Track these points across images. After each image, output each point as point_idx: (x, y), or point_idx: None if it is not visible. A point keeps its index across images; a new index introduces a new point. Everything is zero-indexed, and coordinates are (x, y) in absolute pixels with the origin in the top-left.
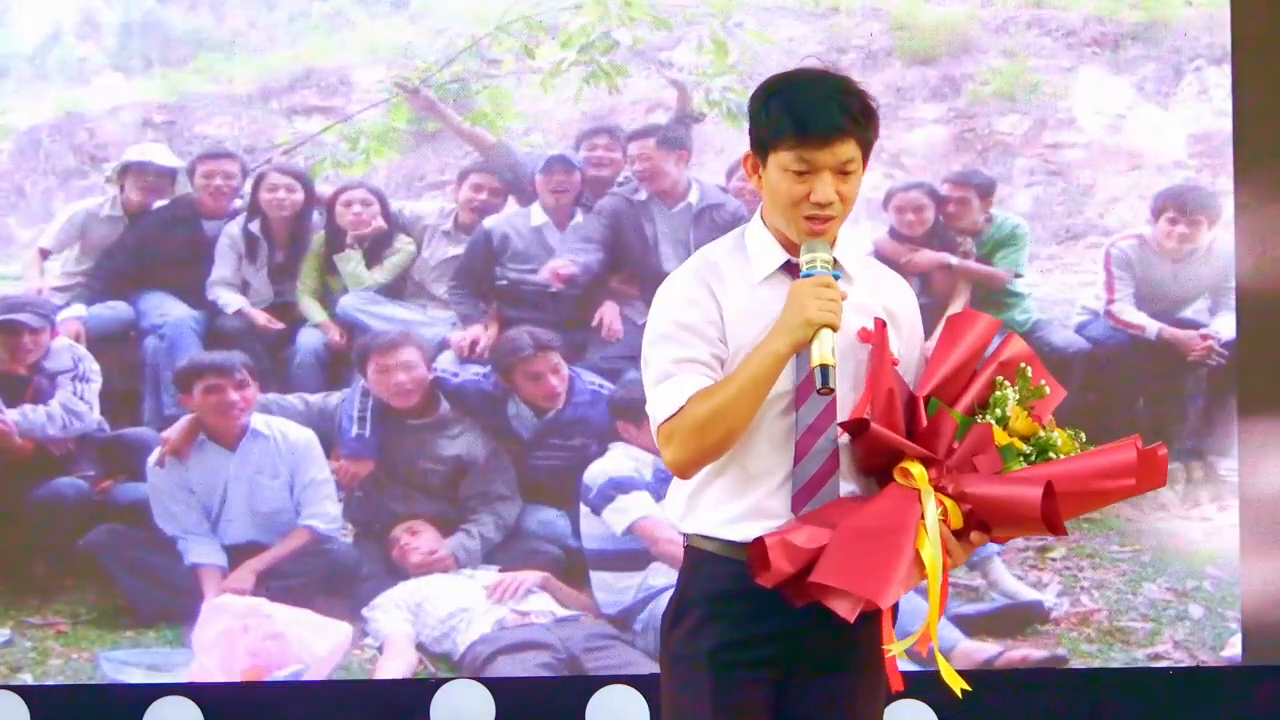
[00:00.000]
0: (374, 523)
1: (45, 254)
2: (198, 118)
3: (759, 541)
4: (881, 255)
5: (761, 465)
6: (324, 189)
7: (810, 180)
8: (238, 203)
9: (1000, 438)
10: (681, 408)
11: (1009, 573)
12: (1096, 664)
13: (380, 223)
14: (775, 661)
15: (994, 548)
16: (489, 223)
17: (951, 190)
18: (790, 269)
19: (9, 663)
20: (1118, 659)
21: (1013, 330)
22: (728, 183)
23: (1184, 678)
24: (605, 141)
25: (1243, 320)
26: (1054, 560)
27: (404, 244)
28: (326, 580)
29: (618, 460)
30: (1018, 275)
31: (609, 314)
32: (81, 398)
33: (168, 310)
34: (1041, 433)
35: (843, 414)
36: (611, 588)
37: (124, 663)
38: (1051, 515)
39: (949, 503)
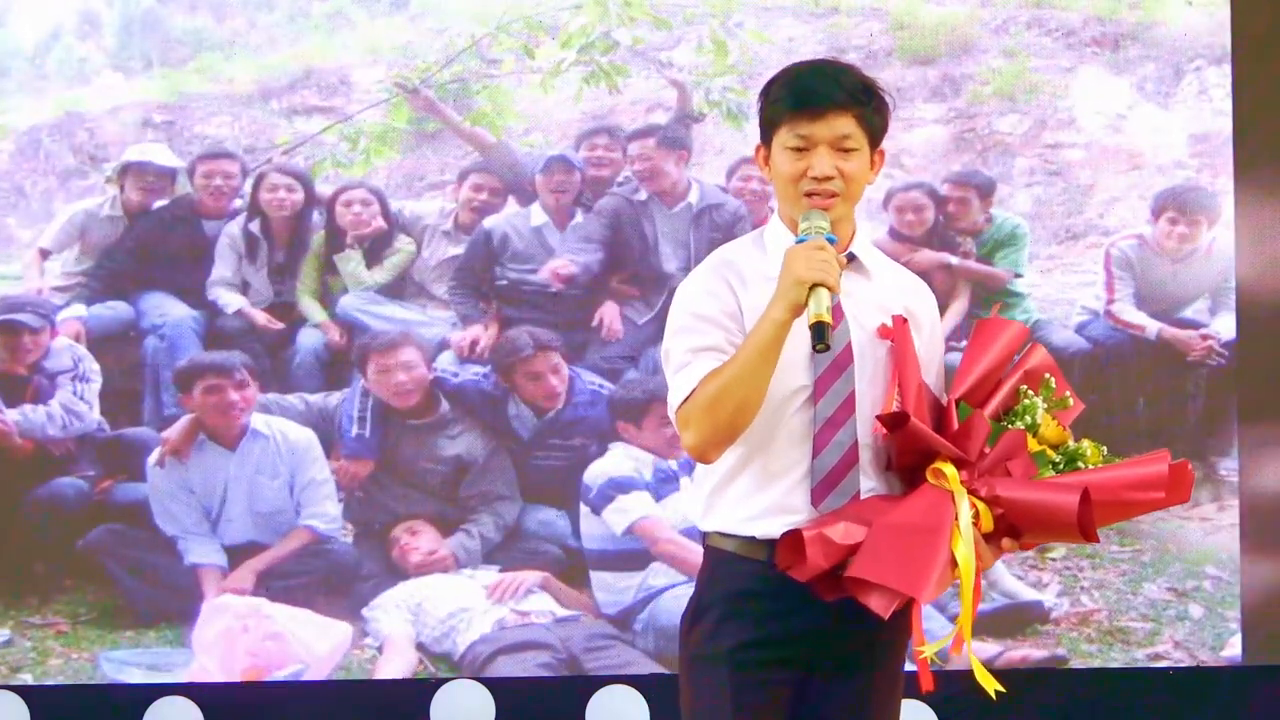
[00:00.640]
0: (374, 523)
1: (45, 254)
2: (198, 118)
3: (794, 534)
4: None
5: (781, 461)
6: (324, 189)
7: (809, 156)
8: (238, 203)
9: (1031, 445)
10: (694, 390)
11: (1009, 573)
12: (1096, 664)
13: (380, 223)
14: (795, 661)
15: None
16: (489, 223)
17: (951, 190)
18: None
19: (9, 663)
20: (1118, 659)
21: None
22: (728, 183)
23: (1184, 678)
24: (605, 141)
25: (1243, 320)
26: (1054, 560)
27: (404, 244)
28: (326, 580)
29: (618, 460)
30: (1018, 275)
31: (609, 314)
32: (81, 398)
33: (168, 310)
34: (1070, 442)
35: (861, 410)
36: (611, 588)
37: (124, 663)
38: (1087, 523)
39: (981, 505)
